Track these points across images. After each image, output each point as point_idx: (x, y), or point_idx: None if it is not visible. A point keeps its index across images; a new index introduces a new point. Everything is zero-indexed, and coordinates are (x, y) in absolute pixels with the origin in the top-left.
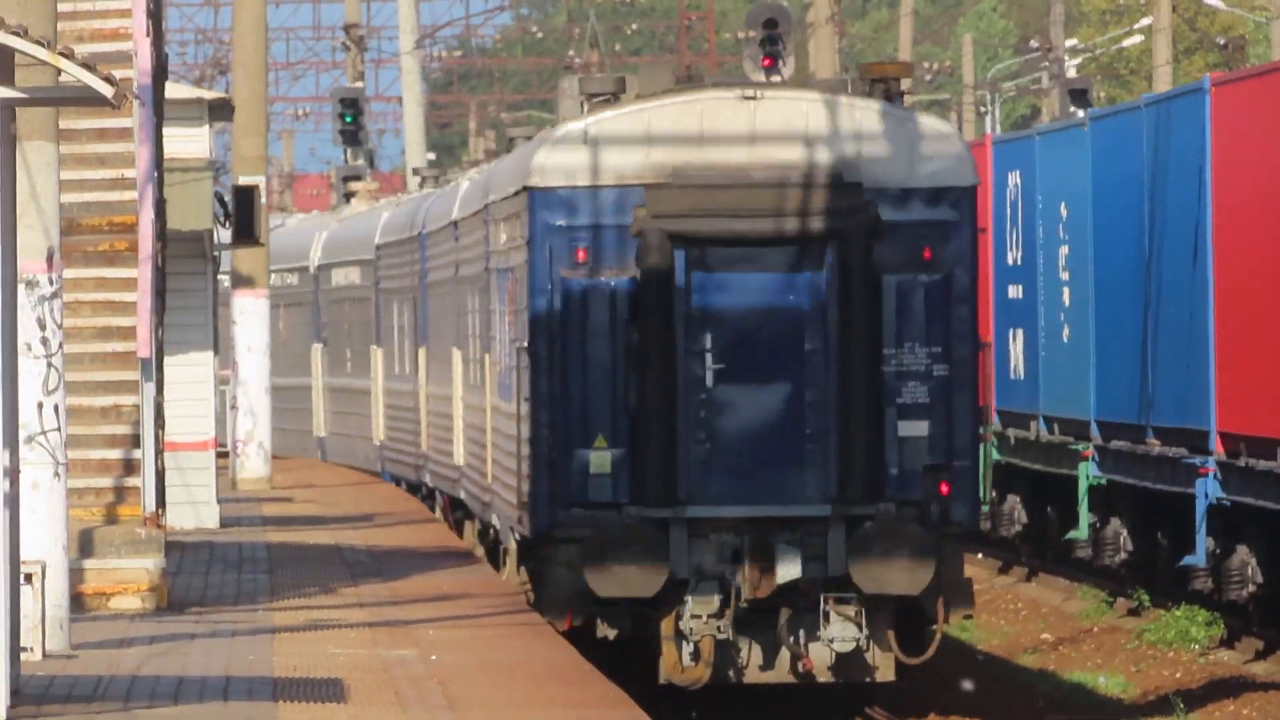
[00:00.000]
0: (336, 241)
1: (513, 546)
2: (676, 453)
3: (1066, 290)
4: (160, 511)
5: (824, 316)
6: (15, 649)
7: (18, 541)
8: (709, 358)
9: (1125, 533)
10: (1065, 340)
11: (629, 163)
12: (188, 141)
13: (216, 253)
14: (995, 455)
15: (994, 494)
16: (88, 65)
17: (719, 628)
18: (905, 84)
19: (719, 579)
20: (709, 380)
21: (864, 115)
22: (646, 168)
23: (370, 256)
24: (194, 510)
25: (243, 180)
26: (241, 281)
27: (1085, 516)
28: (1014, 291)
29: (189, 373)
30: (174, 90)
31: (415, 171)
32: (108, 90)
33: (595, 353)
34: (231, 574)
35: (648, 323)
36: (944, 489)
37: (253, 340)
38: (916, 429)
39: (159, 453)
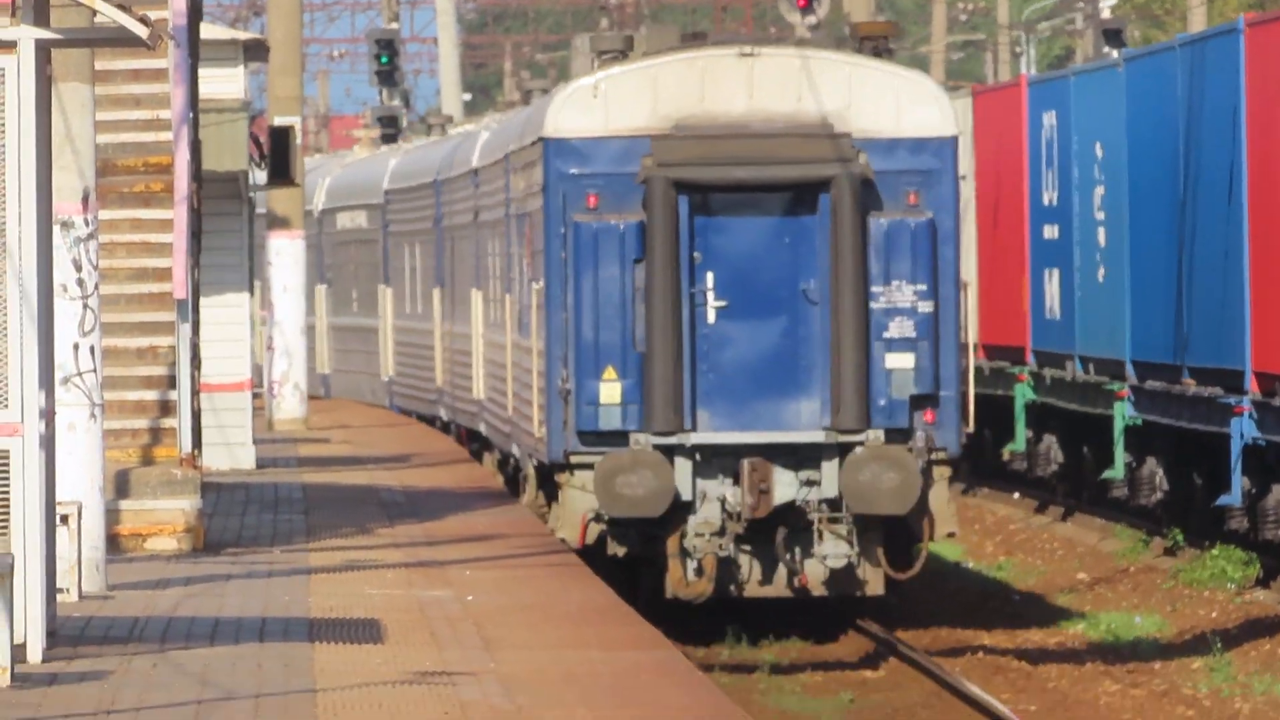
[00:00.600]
0: (341, 187)
1: (531, 473)
2: (681, 384)
3: (1102, 230)
4: (196, 453)
5: (817, 257)
6: (52, 590)
7: (54, 483)
8: (711, 296)
9: (1161, 472)
10: (1101, 280)
11: (636, 115)
12: (223, 82)
13: (252, 193)
14: (1030, 394)
15: (1030, 433)
16: (123, 6)
17: (721, 545)
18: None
19: (720, 500)
20: (710, 317)
21: (854, 71)
22: (652, 119)
23: (378, 201)
24: (229, 451)
25: (278, 121)
26: (277, 222)
27: (1121, 456)
28: (1049, 232)
29: (225, 313)
30: (209, 31)
31: (423, 119)
32: (143, 31)
33: (605, 291)
34: (267, 515)
35: (654, 264)
36: (929, 417)
37: (288, 281)
38: (903, 361)
39: (195, 394)
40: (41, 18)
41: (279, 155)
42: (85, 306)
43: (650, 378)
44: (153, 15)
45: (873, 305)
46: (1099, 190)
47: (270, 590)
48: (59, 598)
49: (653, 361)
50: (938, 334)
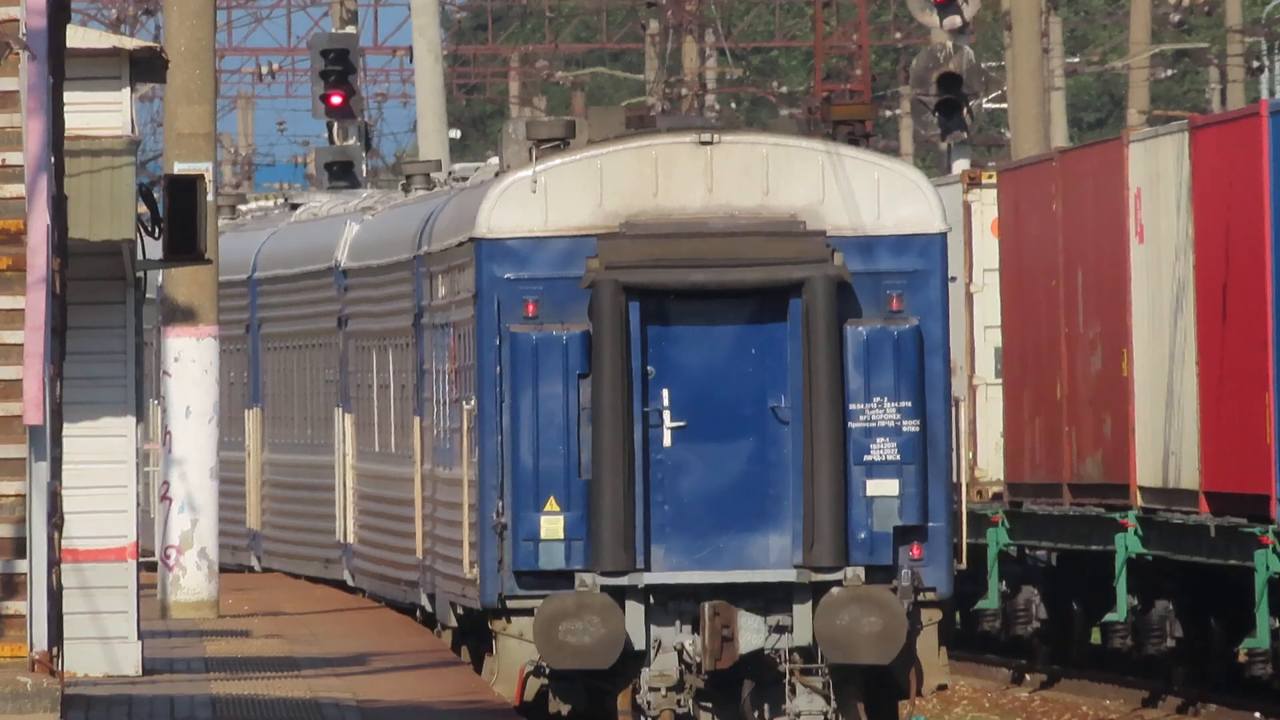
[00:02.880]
0: (280, 256)
1: (452, 622)
2: (633, 516)
3: None
4: (56, 651)
5: (787, 371)
6: None
7: None
8: (666, 415)
9: None
10: None
11: (580, 211)
12: (100, 112)
13: (142, 273)
14: None
15: None
16: None
17: (679, 701)
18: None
19: (678, 649)
20: (666, 440)
21: (826, 160)
22: (599, 216)
23: (330, 284)
24: (105, 650)
25: (180, 168)
26: (178, 314)
27: None
28: None
29: (100, 447)
30: (81, 37)
31: (393, 167)
32: None
33: (547, 411)
34: None
35: (601, 379)
36: (916, 552)
37: (194, 400)
38: (886, 488)
39: (54, 565)
40: None
41: (181, 218)
42: None
43: (598, 509)
44: None
45: (851, 425)
46: None
47: None
48: None
49: (600, 491)
50: (925, 457)
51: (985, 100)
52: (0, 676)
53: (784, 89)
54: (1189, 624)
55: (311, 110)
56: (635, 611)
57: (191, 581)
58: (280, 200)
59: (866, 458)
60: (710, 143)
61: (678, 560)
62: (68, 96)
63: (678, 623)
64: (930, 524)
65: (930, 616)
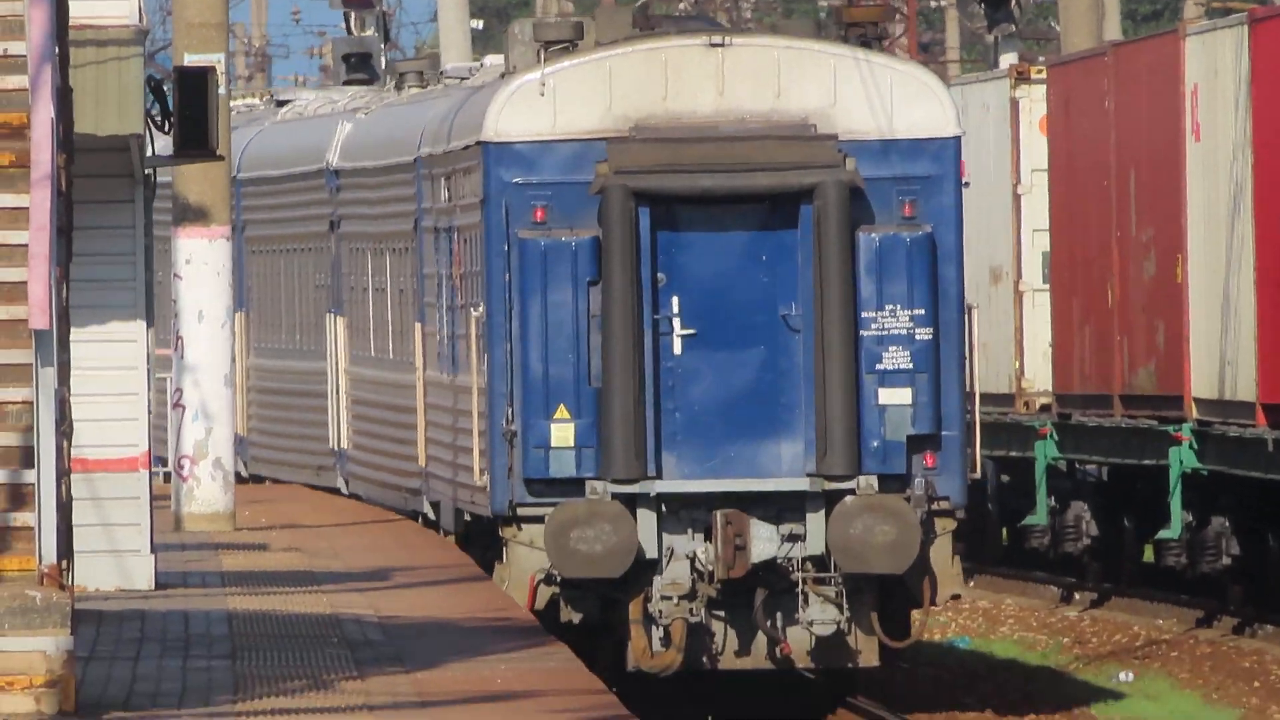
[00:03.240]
0: (268, 156)
1: (457, 529)
2: (643, 424)
3: None
4: (65, 564)
5: (799, 278)
6: None
7: None
8: (677, 323)
9: None
10: None
11: (589, 115)
12: (107, 0)
13: (151, 170)
14: None
15: None
16: None
17: (690, 610)
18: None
19: (690, 558)
20: (677, 347)
21: (839, 63)
22: (608, 120)
23: (321, 185)
24: (117, 563)
25: (190, 60)
26: (190, 214)
27: None
28: None
29: (109, 353)
30: None
31: (415, 58)
32: None
33: (556, 318)
34: (174, 660)
35: (611, 286)
36: (929, 461)
37: (207, 303)
38: (899, 397)
39: (64, 475)
40: None
41: (192, 112)
42: None
43: (608, 417)
44: None
45: (863, 333)
46: None
47: None
48: None
49: (611, 398)
50: (939, 365)
51: None
52: (8, 590)
53: None
54: (1245, 541)
55: (328, 0)
56: (647, 520)
57: (206, 493)
58: (266, 97)
59: (879, 366)
60: (721, 45)
61: (689, 468)
62: None
63: (689, 531)
64: (944, 433)
65: (944, 525)
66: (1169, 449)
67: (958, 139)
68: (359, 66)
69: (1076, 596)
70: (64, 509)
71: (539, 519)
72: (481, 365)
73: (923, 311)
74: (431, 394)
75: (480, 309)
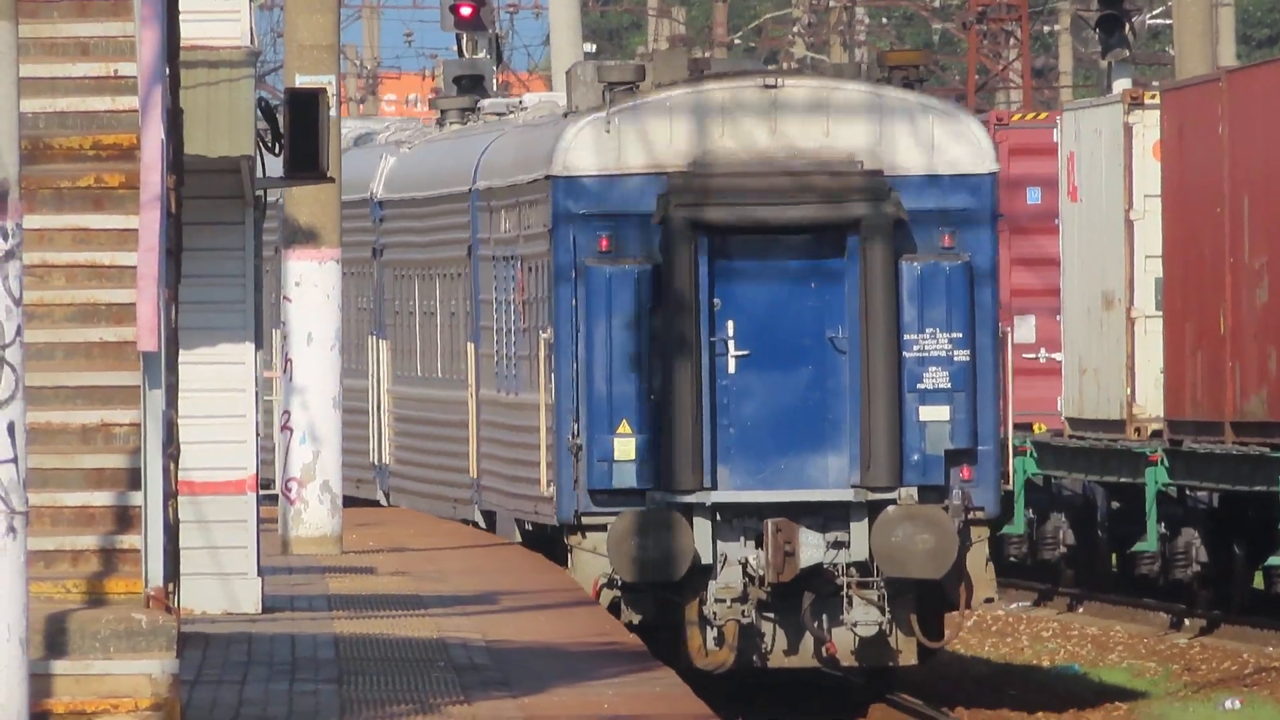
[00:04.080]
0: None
1: (517, 537)
2: (700, 439)
3: None
4: (172, 587)
5: (845, 303)
6: None
7: None
8: (731, 345)
9: None
10: None
11: (651, 151)
12: (218, 21)
13: (261, 192)
14: None
15: None
16: None
17: (743, 612)
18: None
19: (742, 563)
20: (731, 367)
21: (884, 102)
22: (669, 156)
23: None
24: (224, 586)
25: (301, 81)
26: (300, 236)
27: None
28: None
29: (218, 375)
30: None
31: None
32: None
33: (619, 340)
34: (280, 684)
35: (671, 310)
36: (966, 474)
37: (316, 325)
38: (938, 414)
39: (170, 497)
40: None
41: (303, 133)
42: (2, 362)
43: (668, 432)
44: None
45: (905, 354)
46: None
47: None
48: None
49: (670, 415)
50: (975, 385)
51: (1149, 15)
52: (114, 613)
53: (936, 3)
54: None
55: (440, 21)
56: (703, 528)
57: (313, 516)
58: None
59: (919, 385)
60: (774, 86)
61: (742, 480)
62: (184, 4)
63: (742, 538)
64: (979, 447)
65: (979, 534)
66: (1279, 476)
67: (994, 175)
68: (470, 88)
69: (1186, 623)
70: (171, 531)
71: (602, 527)
72: (549, 383)
73: (960, 335)
74: (486, 411)
75: (549, 331)
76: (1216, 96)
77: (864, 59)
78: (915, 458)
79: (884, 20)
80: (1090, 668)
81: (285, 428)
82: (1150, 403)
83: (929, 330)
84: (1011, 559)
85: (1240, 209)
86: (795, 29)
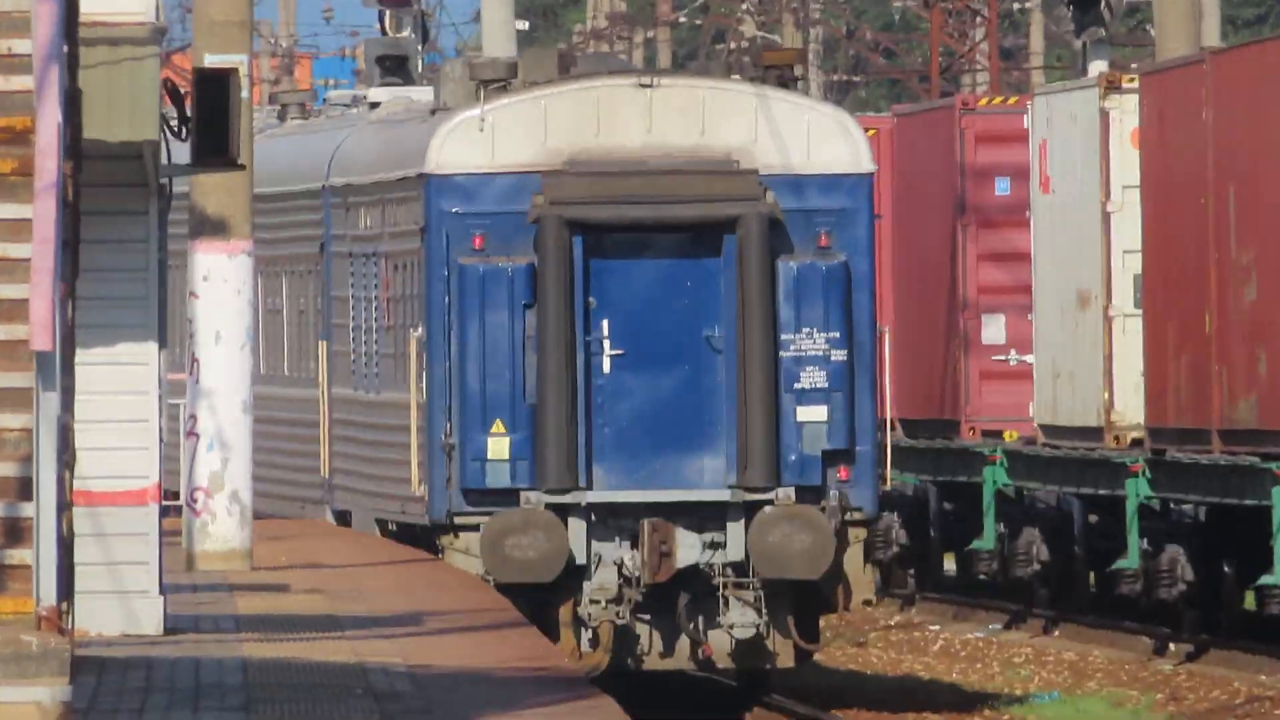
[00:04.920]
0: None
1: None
2: (575, 438)
3: None
4: (65, 607)
5: (722, 303)
6: None
7: None
8: (607, 344)
9: None
10: None
11: (525, 149)
12: None
13: (166, 179)
14: None
15: None
16: None
17: (618, 613)
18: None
19: (618, 564)
20: (606, 366)
21: (760, 102)
22: (543, 154)
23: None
24: (123, 605)
25: (211, 61)
26: (208, 228)
27: None
28: None
29: (118, 376)
30: None
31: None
32: None
33: (493, 339)
34: (182, 712)
35: (545, 309)
36: (843, 474)
37: (225, 324)
38: (815, 414)
39: (65, 508)
40: None
41: (212, 117)
42: None
43: (542, 431)
44: None
45: (782, 354)
46: None
47: None
48: None
49: (544, 414)
50: (853, 385)
51: None
52: (2, 635)
53: None
54: None
55: None
56: (577, 528)
57: (221, 528)
58: None
59: (796, 385)
60: (649, 85)
61: (618, 480)
62: None
63: (617, 539)
64: (857, 448)
65: (857, 535)
66: (1271, 488)
67: (870, 175)
68: (394, 70)
69: (1172, 648)
70: (65, 545)
71: (475, 527)
72: (421, 382)
73: (837, 335)
74: (340, 410)
75: (420, 330)
76: (1200, 80)
77: (818, 38)
78: (792, 458)
79: None
80: (1067, 696)
81: (191, 433)
82: (1130, 408)
83: (806, 330)
84: (981, 577)
85: (1225, 200)
86: (745, 6)
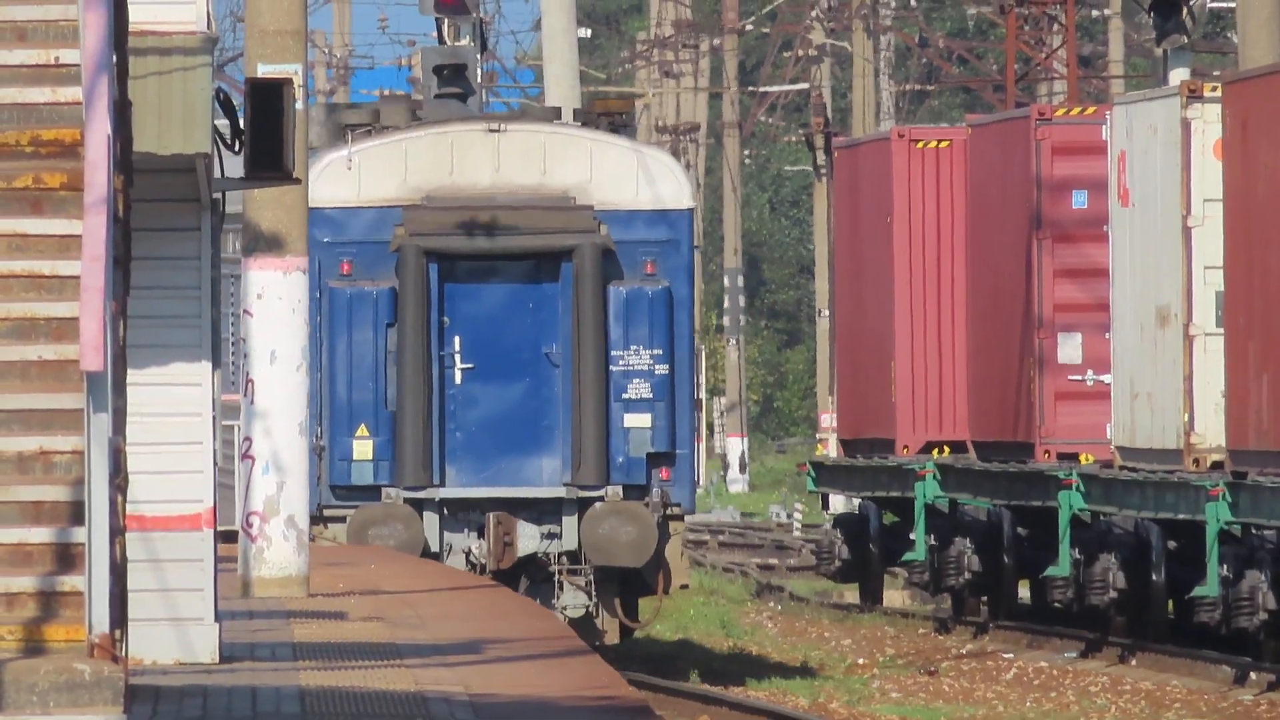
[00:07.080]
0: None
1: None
2: (430, 441)
3: None
4: (119, 634)
5: (559, 322)
6: None
7: None
8: (458, 358)
9: None
10: None
11: (388, 186)
12: (170, 4)
13: (219, 194)
14: None
15: None
16: None
17: None
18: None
19: (466, 552)
20: (458, 378)
21: (595, 146)
22: (404, 191)
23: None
24: (177, 633)
25: (264, 71)
26: (262, 244)
27: None
28: None
29: (171, 397)
30: None
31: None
32: None
33: (359, 353)
34: None
35: (405, 327)
36: (665, 474)
37: (280, 343)
38: (641, 421)
39: (118, 534)
40: None
41: (266, 129)
42: None
43: (401, 435)
44: None
45: (612, 368)
46: None
47: None
48: None
49: (403, 420)
50: (673, 395)
51: None
52: (54, 663)
53: None
54: None
55: (418, 5)
56: (431, 520)
57: (277, 554)
58: None
59: (624, 395)
60: (498, 130)
61: (467, 478)
62: None
63: (466, 530)
64: (677, 451)
65: (676, 528)
66: None
67: (691, 210)
68: (452, 79)
69: (1252, 677)
70: (117, 572)
71: (342, 519)
72: None
73: (660, 351)
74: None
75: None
76: None
77: (889, 46)
78: (620, 460)
79: (912, 3)
80: None
81: (246, 456)
82: (1211, 430)
83: (633, 347)
84: (1056, 604)
85: None
86: (814, 13)
